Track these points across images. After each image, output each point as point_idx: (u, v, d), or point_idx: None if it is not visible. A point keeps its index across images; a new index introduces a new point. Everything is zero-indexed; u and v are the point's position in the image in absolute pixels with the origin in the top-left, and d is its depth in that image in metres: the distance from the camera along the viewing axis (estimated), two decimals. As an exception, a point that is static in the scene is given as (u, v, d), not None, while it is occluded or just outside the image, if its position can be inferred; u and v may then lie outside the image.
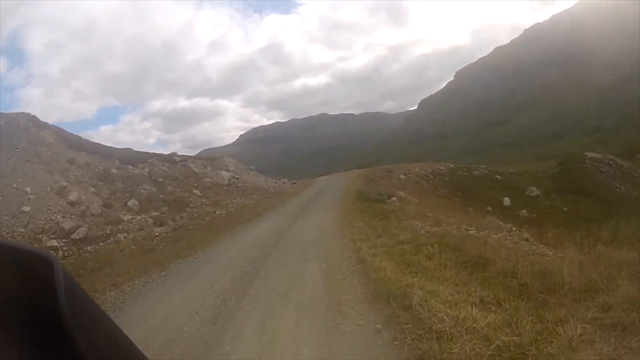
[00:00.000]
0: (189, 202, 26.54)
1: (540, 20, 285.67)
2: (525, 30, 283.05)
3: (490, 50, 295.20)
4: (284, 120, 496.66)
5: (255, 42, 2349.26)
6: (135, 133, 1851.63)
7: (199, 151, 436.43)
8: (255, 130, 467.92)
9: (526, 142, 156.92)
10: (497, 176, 44.34)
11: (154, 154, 35.08)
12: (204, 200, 26.83)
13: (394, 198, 21.32)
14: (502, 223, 24.51)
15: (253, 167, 39.81)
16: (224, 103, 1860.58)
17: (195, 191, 28.47)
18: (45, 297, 0.68)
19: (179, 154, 35.81)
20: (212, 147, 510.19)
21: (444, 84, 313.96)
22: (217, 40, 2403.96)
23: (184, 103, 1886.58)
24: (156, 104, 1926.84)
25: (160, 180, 30.48)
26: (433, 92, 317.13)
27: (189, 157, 35.86)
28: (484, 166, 48.36)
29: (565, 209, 39.33)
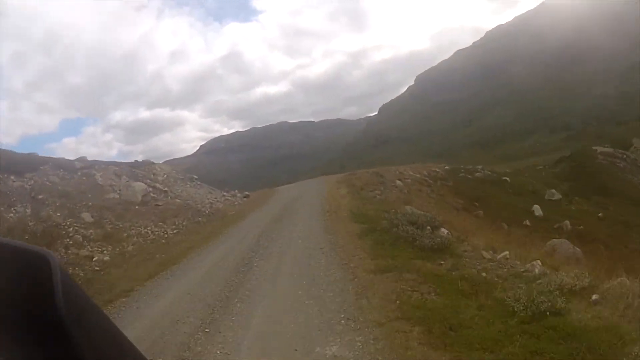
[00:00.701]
0: (64, 235, 15.68)
1: (503, 22, 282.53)
2: (487, 33, 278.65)
3: (451, 53, 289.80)
4: (245, 130, 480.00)
5: (216, 50, 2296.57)
6: (98, 145, 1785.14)
7: (160, 162, 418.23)
8: (216, 140, 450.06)
9: (492, 142, 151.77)
10: (505, 178, 34.92)
11: (51, 159, 24.37)
12: (91, 231, 16.03)
13: (444, 230, 10.64)
14: (578, 249, 15.68)
15: (196, 177, 29.12)
16: (184, 113, 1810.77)
17: (84, 215, 17.60)
18: (43, 295, 0.67)
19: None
20: (173, 157, 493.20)
21: (404, 89, 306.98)
22: (177, 49, 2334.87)
23: (144, 114, 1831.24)
24: (117, 116, 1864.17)
25: (40, 197, 19.70)
26: (394, 97, 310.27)
27: (100, 163, 24.94)
28: (481, 166, 38.89)
29: (600, 214, 30.83)
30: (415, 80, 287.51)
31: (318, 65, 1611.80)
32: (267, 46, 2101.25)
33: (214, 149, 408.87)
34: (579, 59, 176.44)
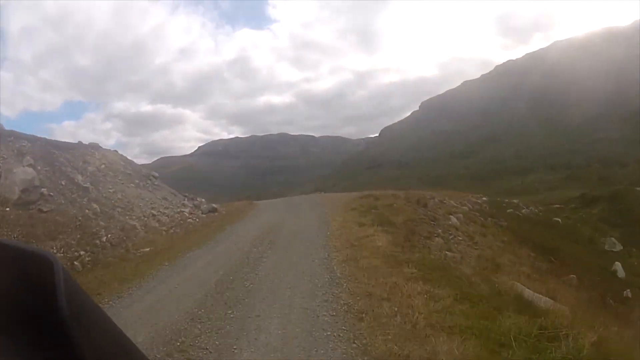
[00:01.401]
0: None
1: (514, 58, 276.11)
2: (496, 67, 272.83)
3: (458, 83, 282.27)
4: (244, 136, 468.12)
5: (224, 53, 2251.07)
6: (96, 132, 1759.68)
7: (156, 158, 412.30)
8: (214, 143, 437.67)
9: (490, 175, 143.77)
10: (557, 219, 26.88)
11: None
12: None
13: None
14: None
15: (156, 174, 20.79)
16: (186, 112, 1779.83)
17: None
18: (45, 297, 0.66)
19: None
20: (169, 155, 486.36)
21: (408, 114, 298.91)
22: (187, 47, 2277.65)
23: (146, 107, 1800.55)
24: (119, 105, 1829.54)
25: None
26: (396, 120, 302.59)
27: (14, 134, 16.61)
28: (517, 201, 30.90)
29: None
30: (419, 107, 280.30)
31: (324, 80, 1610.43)
32: (275, 56, 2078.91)
33: (212, 151, 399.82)
34: (583, 100, 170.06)
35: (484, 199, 25.42)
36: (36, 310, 0.65)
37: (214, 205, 17.57)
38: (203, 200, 19.29)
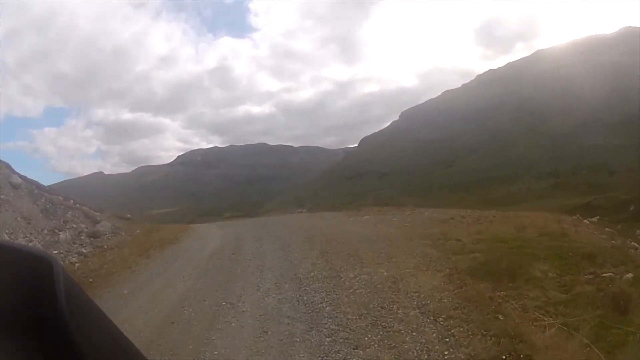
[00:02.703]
0: None
1: (495, 67, 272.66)
2: (477, 76, 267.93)
3: (439, 93, 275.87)
4: (223, 146, 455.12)
5: (205, 62, 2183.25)
6: (77, 140, 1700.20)
7: (135, 167, 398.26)
8: (193, 153, 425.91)
9: (474, 185, 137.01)
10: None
11: None
12: None
13: None
14: None
15: (17, 181, 10.66)
16: (165, 121, 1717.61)
17: None
18: (45, 297, 0.66)
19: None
20: (148, 164, 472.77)
21: (387, 124, 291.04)
22: (168, 54, 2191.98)
23: (126, 116, 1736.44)
24: (99, 112, 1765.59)
25: None
26: (376, 130, 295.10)
27: None
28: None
29: None
30: (399, 116, 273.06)
31: (304, 91, 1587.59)
32: (256, 65, 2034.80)
33: (190, 161, 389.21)
34: (568, 109, 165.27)
35: (592, 220, 15.62)
36: (36, 310, 0.63)
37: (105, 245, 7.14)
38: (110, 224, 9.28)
